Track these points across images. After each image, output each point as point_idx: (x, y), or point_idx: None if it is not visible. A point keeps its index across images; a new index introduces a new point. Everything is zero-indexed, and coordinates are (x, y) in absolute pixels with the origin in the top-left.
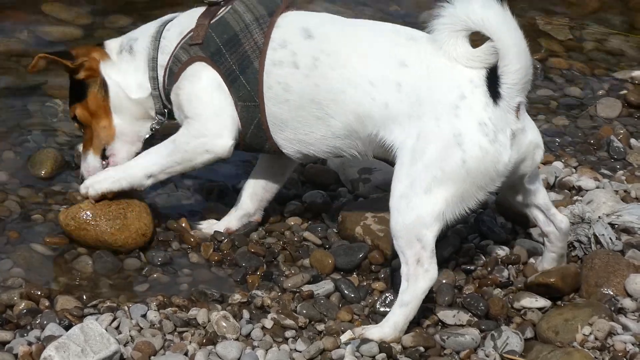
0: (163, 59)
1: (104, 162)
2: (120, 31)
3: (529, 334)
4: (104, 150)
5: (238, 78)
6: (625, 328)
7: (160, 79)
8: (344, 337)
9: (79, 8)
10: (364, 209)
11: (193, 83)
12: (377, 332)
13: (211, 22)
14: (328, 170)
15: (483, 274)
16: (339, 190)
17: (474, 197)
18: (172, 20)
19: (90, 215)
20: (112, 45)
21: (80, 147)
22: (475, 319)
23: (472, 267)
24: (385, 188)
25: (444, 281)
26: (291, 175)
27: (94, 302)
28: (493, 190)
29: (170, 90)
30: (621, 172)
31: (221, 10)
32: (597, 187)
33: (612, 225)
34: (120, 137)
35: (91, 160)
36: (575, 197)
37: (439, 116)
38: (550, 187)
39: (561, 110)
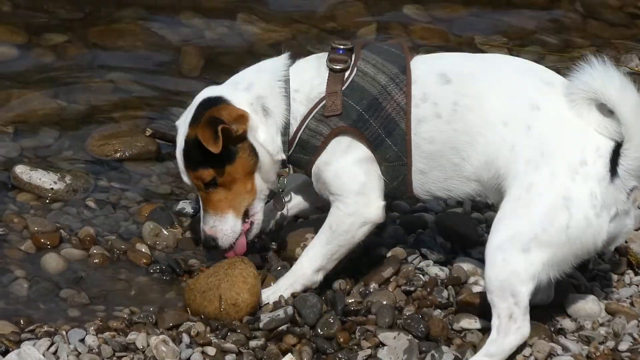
0: (293, 125)
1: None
2: (55, 50)
3: (469, 355)
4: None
5: (384, 141)
6: (565, 349)
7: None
8: None
9: (12, 26)
10: (304, 230)
11: (339, 159)
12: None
13: (343, 88)
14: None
15: (423, 295)
16: None
17: (568, 264)
18: (285, 73)
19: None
20: (242, 102)
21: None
22: (416, 340)
23: (412, 289)
24: (324, 209)
25: (384, 302)
26: None
27: (31, 327)
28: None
29: (304, 159)
30: None
31: (349, 74)
32: None
33: None
34: (259, 196)
35: (233, 223)
36: None
37: (556, 173)
38: (489, 206)
39: None
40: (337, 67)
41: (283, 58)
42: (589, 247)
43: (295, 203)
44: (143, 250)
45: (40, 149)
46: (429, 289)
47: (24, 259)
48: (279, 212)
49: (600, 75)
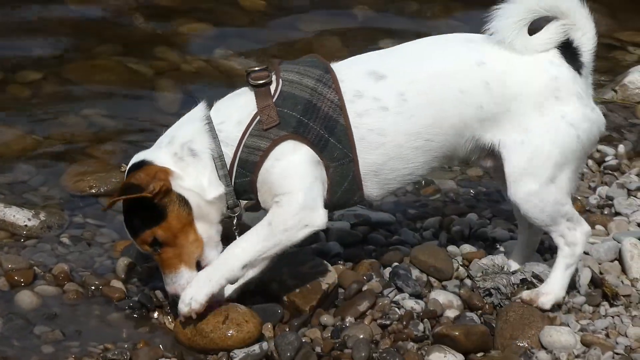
0: (228, 152)
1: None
2: (32, 86)
3: None
4: (198, 262)
5: (328, 140)
6: None
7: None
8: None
9: None
10: (279, 264)
11: (284, 161)
12: (554, 297)
13: (274, 100)
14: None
15: (398, 328)
16: None
17: (584, 163)
18: (205, 114)
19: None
20: (163, 157)
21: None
22: None
23: (388, 322)
24: None
25: (360, 336)
26: None
27: None
28: None
29: (246, 181)
30: None
31: (274, 88)
32: (512, 239)
33: (524, 278)
34: (208, 243)
35: (188, 276)
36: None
37: (541, 104)
38: (465, 239)
39: None
40: (261, 82)
41: (199, 106)
42: (597, 138)
43: None
44: (117, 286)
45: (15, 185)
46: (404, 322)
47: None
48: None
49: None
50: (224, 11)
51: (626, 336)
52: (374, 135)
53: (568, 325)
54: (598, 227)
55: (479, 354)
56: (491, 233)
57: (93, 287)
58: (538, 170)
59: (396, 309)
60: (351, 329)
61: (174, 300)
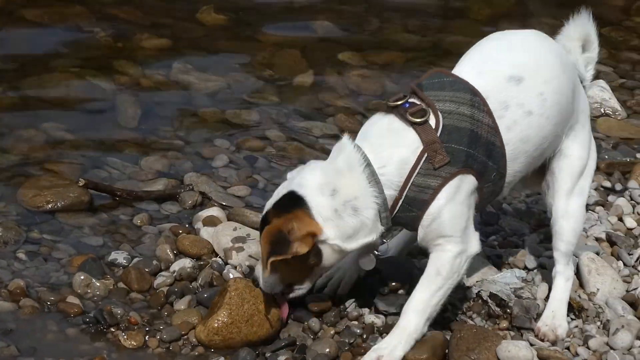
0: (391, 195)
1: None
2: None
3: None
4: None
5: (487, 164)
6: None
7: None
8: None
9: None
10: None
11: (454, 202)
12: (565, 325)
13: (439, 135)
14: (201, 240)
15: (358, 343)
16: (212, 260)
17: None
18: (362, 157)
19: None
20: (323, 209)
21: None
22: None
23: (352, 340)
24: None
25: (327, 350)
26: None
27: None
28: None
29: (410, 216)
30: (493, 237)
31: (436, 120)
32: None
33: (478, 295)
34: (312, 279)
35: (275, 285)
36: None
37: (585, 124)
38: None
39: None
40: (421, 120)
41: (349, 145)
42: None
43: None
44: (73, 301)
45: None
46: (364, 337)
47: None
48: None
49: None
50: (184, 26)
51: (589, 348)
52: (521, 145)
53: (528, 340)
54: None
55: None
56: None
57: (49, 303)
58: (582, 185)
59: (355, 324)
60: (315, 345)
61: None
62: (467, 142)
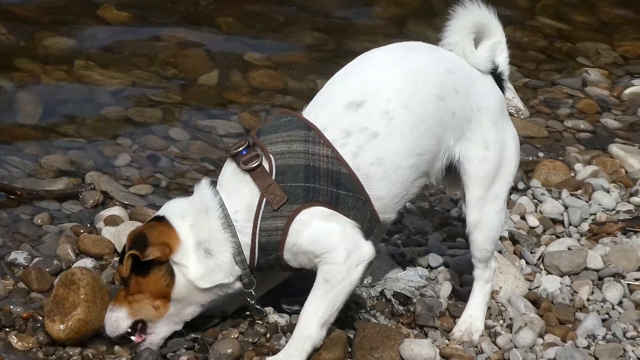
0: (246, 240)
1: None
2: None
3: None
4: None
5: (339, 194)
6: None
7: (248, 257)
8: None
9: None
10: None
11: (307, 229)
12: (480, 328)
13: (273, 177)
14: (102, 239)
15: (261, 342)
16: (114, 260)
17: None
18: (219, 203)
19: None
20: (184, 234)
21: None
22: None
23: (255, 339)
24: None
25: (229, 350)
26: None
27: None
28: None
29: (271, 258)
30: (397, 235)
31: (267, 166)
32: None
33: (382, 293)
34: (168, 319)
35: (122, 318)
36: None
37: (496, 120)
38: None
39: None
40: (254, 165)
41: (207, 188)
42: None
43: None
44: None
45: None
46: (268, 336)
47: None
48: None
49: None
50: (86, 23)
51: (496, 345)
52: (374, 168)
53: (432, 338)
54: (459, 239)
55: None
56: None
57: None
58: (496, 189)
59: (259, 323)
60: (217, 344)
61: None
62: (304, 177)
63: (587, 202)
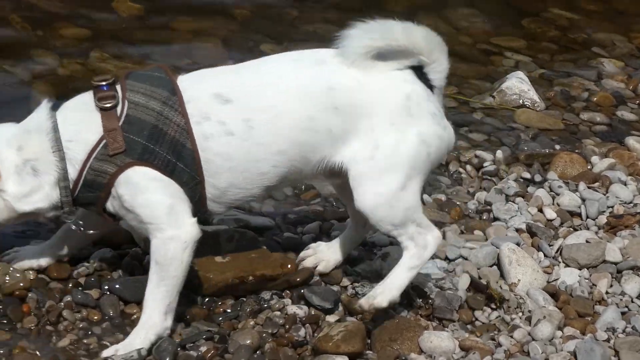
0: (72, 172)
1: None
2: None
3: None
4: None
5: (176, 165)
6: None
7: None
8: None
9: None
10: None
11: (135, 192)
12: (390, 295)
13: (120, 124)
14: (120, 230)
15: (281, 333)
16: (133, 250)
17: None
18: (53, 126)
19: None
20: (5, 158)
21: None
22: None
23: (275, 331)
24: None
25: (248, 341)
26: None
27: None
28: None
29: (92, 196)
30: None
31: (122, 108)
32: (391, 244)
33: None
34: None
35: None
36: (376, 253)
37: (394, 121)
38: None
39: None
40: (108, 105)
41: (45, 110)
42: (445, 154)
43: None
44: None
45: None
46: (287, 327)
47: None
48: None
49: (378, 30)
50: (100, 15)
51: (512, 337)
52: (220, 160)
53: (450, 330)
54: (477, 232)
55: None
56: (370, 238)
57: None
58: (386, 182)
59: (277, 313)
60: (236, 335)
61: None
62: (147, 136)
63: (604, 194)
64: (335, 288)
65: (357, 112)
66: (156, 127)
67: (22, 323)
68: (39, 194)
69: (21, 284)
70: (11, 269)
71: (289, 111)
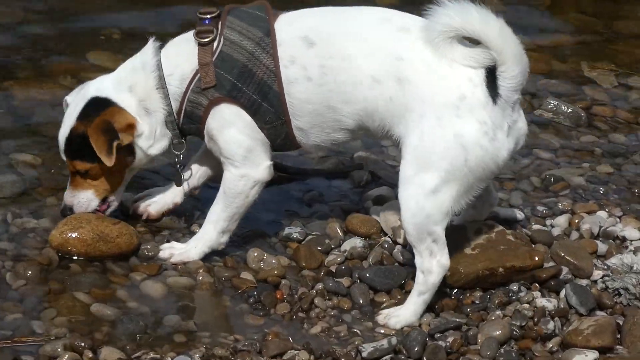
0: (176, 106)
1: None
2: None
3: None
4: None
5: (261, 105)
6: None
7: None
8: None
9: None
10: None
11: (221, 127)
12: (403, 320)
13: (213, 59)
14: (370, 219)
15: (529, 326)
16: (382, 240)
17: (477, 189)
18: (157, 64)
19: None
20: (129, 105)
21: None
22: None
23: (523, 322)
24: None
25: (497, 332)
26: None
27: (137, 354)
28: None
29: (194, 127)
30: None
31: (216, 45)
32: None
33: None
34: (123, 186)
35: (90, 198)
36: (627, 247)
37: (441, 116)
38: (594, 237)
39: (606, 157)
40: (205, 40)
41: (151, 48)
42: (492, 169)
43: (196, 176)
44: (247, 277)
45: None
46: (535, 320)
47: None
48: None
49: (458, 13)
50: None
51: None
52: (301, 103)
53: None
54: None
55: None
56: (620, 232)
57: (223, 279)
58: (424, 178)
59: (526, 306)
60: (486, 326)
61: (64, 209)
62: (237, 74)
63: None
64: (585, 282)
65: (414, 92)
66: (246, 67)
67: (275, 309)
68: (158, 133)
69: (275, 271)
70: (265, 255)
71: (359, 66)
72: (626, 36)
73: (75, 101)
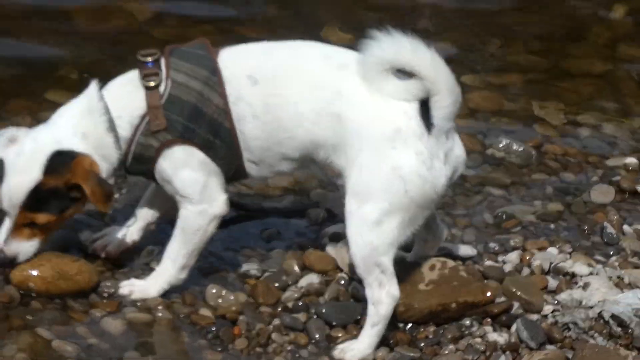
0: (124, 148)
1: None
2: None
3: None
4: None
5: (214, 142)
6: None
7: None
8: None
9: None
10: None
11: (175, 168)
12: (359, 353)
13: (162, 102)
14: (326, 256)
15: None
16: (338, 276)
17: (420, 218)
18: (104, 107)
19: None
20: (89, 154)
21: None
22: None
23: (476, 357)
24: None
25: None
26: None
27: None
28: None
29: (140, 168)
30: (614, 258)
31: (164, 88)
32: (591, 274)
33: (600, 315)
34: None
35: (36, 246)
36: (577, 282)
37: (378, 150)
38: (545, 273)
39: (556, 195)
40: (151, 85)
41: (94, 91)
42: (432, 197)
43: (149, 213)
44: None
45: None
46: (487, 354)
47: None
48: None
49: (390, 45)
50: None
51: None
52: (251, 139)
53: None
54: None
55: None
56: (571, 268)
57: (182, 315)
58: (366, 211)
59: (478, 340)
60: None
61: (6, 257)
62: (187, 115)
63: None
64: (535, 316)
65: (351, 127)
66: (196, 108)
67: (233, 344)
68: (107, 173)
69: (233, 308)
70: (224, 292)
71: (301, 102)
72: (574, 75)
73: (24, 154)
